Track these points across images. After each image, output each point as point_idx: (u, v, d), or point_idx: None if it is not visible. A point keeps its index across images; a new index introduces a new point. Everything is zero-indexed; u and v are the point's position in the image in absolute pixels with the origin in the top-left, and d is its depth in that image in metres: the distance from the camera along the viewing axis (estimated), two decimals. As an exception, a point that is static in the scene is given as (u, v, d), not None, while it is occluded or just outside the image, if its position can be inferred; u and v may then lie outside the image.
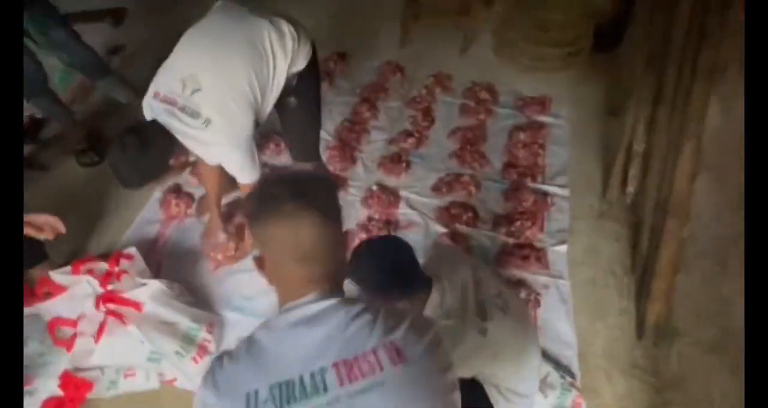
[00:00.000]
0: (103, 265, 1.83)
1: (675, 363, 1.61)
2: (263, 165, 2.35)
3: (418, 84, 2.80)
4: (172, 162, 1.48)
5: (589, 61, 2.88)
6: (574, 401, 1.62)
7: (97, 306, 1.69)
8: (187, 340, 1.75)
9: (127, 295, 1.73)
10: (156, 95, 1.46)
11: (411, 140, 2.48)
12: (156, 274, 1.98)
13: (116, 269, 1.81)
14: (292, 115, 1.69)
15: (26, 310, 1.77)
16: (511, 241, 2.09)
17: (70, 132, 2.45)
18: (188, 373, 1.70)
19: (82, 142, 2.45)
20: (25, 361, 1.71)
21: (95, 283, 1.77)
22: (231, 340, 1.83)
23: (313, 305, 0.72)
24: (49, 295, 1.79)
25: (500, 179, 2.34)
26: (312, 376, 0.67)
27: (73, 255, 2.07)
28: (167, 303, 1.76)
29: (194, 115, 1.42)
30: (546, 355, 1.72)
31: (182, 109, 1.42)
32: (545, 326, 1.84)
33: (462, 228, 2.13)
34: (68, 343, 1.73)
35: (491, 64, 2.94)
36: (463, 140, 2.48)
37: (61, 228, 1.41)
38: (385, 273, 1.23)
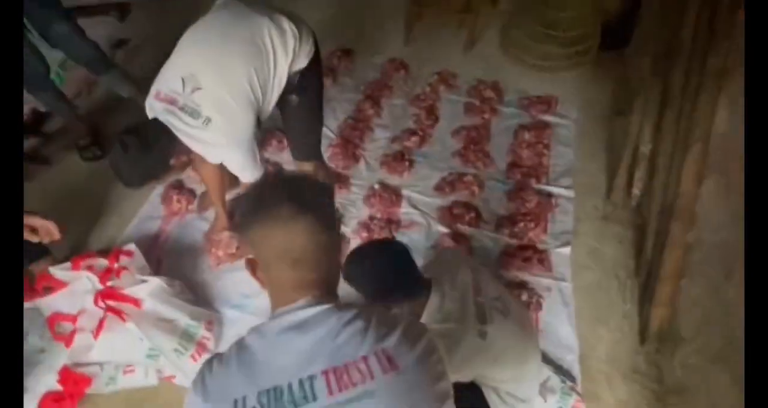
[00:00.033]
0: (103, 262, 1.83)
1: (678, 370, 1.59)
2: (266, 161, 2.36)
3: (423, 82, 2.77)
4: (173, 161, 1.47)
5: (596, 60, 2.84)
6: (574, 406, 1.60)
7: (96, 302, 1.69)
8: (186, 337, 1.74)
9: (126, 291, 1.73)
10: (157, 95, 1.46)
11: (414, 139, 2.45)
12: (156, 270, 1.97)
13: (116, 266, 1.81)
14: (294, 114, 1.67)
15: (26, 305, 1.77)
16: (513, 242, 2.07)
17: (73, 126, 2.45)
18: (187, 370, 1.69)
19: (85, 137, 2.44)
20: (25, 356, 1.71)
21: (95, 279, 1.77)
22: (230, 337, 1.82)
23: (304, 311, 0.71)
24: (49, 291, 1.79)
25: (504, 179, 2.32)
26: (301, 383, 0.66)
27: (74, 250, 2.07)
28: (166, 300, 1.76)
29: (194, 114, 1.41)
30: (547, 359, 1.70)
31: (182, 108, 1.41)
32: (546, 329, 1.82)
33: (464, 228, 2.11)
34: (67, 339, 1.73)
35: (497, 62, 2.91)
36: (467, 139, 2.46)
37: (56, 234, 1.40)
38: (381, 278, 1.22)
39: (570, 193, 2.25)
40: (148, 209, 2.24)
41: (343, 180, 2.28)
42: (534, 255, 1.99)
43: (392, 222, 2.13)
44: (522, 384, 1.38)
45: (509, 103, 2.66)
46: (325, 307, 0.72)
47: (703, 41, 1.66)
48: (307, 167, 1.78)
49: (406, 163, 2.34)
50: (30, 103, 2.46)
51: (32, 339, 1.77)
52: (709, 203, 1.60)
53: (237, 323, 1.86)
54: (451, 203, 2.19)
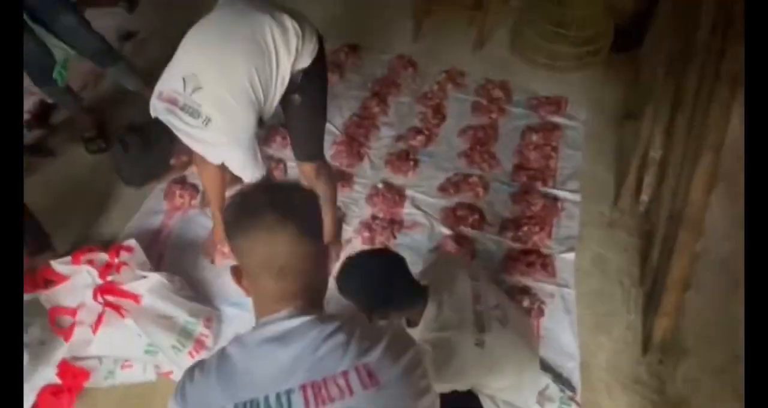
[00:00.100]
0: (104, 256, 1.83)
1: (679, 383, 1.56)
2: (269, 158, 2.35)
3: (431, 80, 2.74)
4: (173, 161, 1.46)
5: (607, 61, 2.78)
6: (573, 415, 1.58)
7: (95, 297, 1.69)
8: (185, 334, 1.75)
9: (125, 287, 1.73)
10: (159, 95, 1.45)
11: (420, 138, 2.43)
12: (157, 265, 1.97)
13: (116, 261, 1.81)
14: (296, 113, 1.65)
15: (27, 297, 1.78)
16: (517, 246, 2.05)
17: (79, 119, 2.45)
18: (184, 366, 1.67)
19: (91, 130, 2.45)
20: (25, 348, 1.72)
21: (95, 273, 1.77)
22: (228, 335, 1.82)
23: (286, 322, 0.70)
24: (50, 284, 1.80)
25: (509, 181, 2.28)
26: (278, 397, 0.65)
27: (77, 242, 2.07)
28: (166, 296, 1.76)
29: (194, 113, 1.39)
30: (546, 366, 1.68)
31: (183, 107, 1.40)
32: (548, 336, 1.79)
33: (467, 231, 2.09)
34: (67, 332, 1.73)
35: (506, 61, 2.86)
36: (473, 139, 2.42)
37: None
38: (375, 289, 1.21)
39: (576, 198, 2.21)
40: (151, 204, 2.24)
41: (346, 178, 2.26)
42: (537, 260, 1.97)
43: (395, 222, 2.11)
44: (520, 393, 1.37)
45: (518, 104, 2.62)
46: (308, 318, 0.70)
47: (718, 45, 1.61)
48: (309, 167, 1.75)
49: (411, 163, 2.31)
50: (36, 94, 2.46)
51: (33, 330, 1.78)
52: (718, 212, 1.56)
53: (236, 321, 1.85)
54: (455, 205, 2.17)
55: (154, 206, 2.22)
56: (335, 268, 1.92)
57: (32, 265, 1.83)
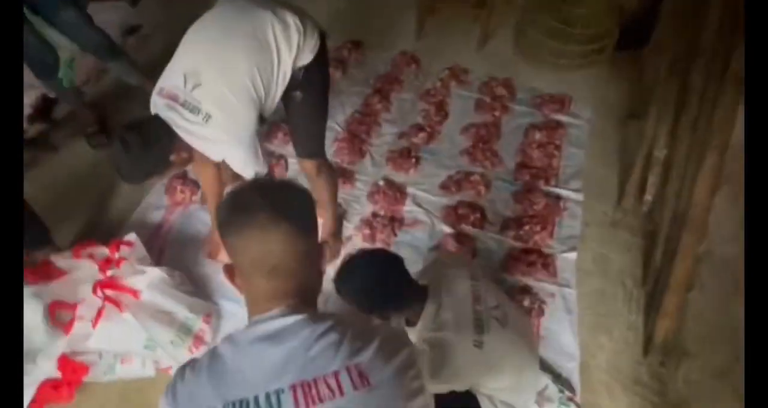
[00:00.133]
0: (104, 251, 1.83)
1: (680, 384, 1.55)
2: (270, 154, 2.34)
3: (433, 77, 2.72)
4: (173, 158, 1.46)
5: (612, 59, 2.76)
6: (572, 416, 1.58)
7: (94, 292, 1.69)
8: (184, 329, 1.75)
9: (124, 282, 1.73)
10: (160, 91, 1.45)
11: (422, 135, 2.41)
12: (158, 260, 1.97)
13: (116, 256, 1.81)
14: (297, 110, 1.64)
15: (27, 291, 1.78)
16: (518, 245, 2.03)
17: (81, 113, 2.45)
18: (183, 362, 1.69)
19: (93, 124, 2.44)
20: (25, 343, 1.72)
21: (95, 268, 1.77)
22: (228, 330, 1.82)
23: (278, 321, 0.70)
24: (49, 278, 1.80)
25: (512, 180, 2.27)
26: (267, 397, 0.65)
27: (78, 237, 2.08)
28: (165, 292, 1.76)
29: (194, 110, 1.39)
30: (546, 367, 1.67)
31: (183, 104, 1.40)
32: (548, 336, 1.78)
33: (468, 229, 2.08)
34: (67, 327, 1.73)
35: (510, 59, 2.84)
36: (476, 137, 2.41)
37: None
38: (373, 290, 1.20)
39: (579, 197, 2.20)
40: (152, 199, 2.24)
41: (347, 175, 2.25)
42: (539, 259, 1.96)
43: (395, 220, 2.10)
44: (518, 393, 1.36)
45: (521, 101, 2.60)
46: (300, 317, 0.70)
47: (725, 45, 1.59)
48: (309, 165, 1.74)
49: (413, 160, 2.30)
50: (39, 89, 2.46)
51: (33, 325, 1.77)
52: (722, 214, 1.54)
53: (235, 316, 1.85)
54: (457, 203, 2.16)
55: (155, 201, 2.22)
56: (336, 264, 1.94)
57: (32, 259, 1.83)
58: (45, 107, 2.58)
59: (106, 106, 2.58)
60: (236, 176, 1.73)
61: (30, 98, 2.53)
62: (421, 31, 2.96)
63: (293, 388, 0.65)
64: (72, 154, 2.42)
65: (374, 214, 2.13)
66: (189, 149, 1.48)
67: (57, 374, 1.68)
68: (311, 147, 1.73)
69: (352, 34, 2.93)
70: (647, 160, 2.06)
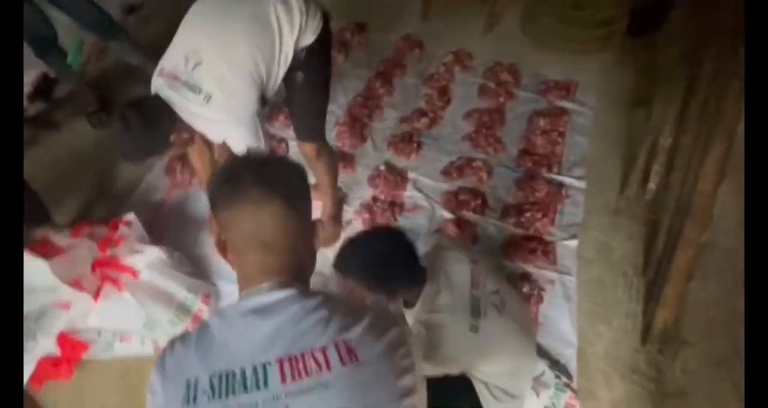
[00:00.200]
0: (103, 230, 1.83)
1: (678, 373, 1.55)
2: (271, 137, 2.32)
3: (437, 61, 2.68)
4: (173, 138, 1.44)
5: (621, 45, 2.70)
6: (568, 402, 1.57)
7: (93, 270, 1.70)
8: (183, 309, 1.75)
9: (124, 261, 1.73)
10: (161, 71, 1.43)
11: (424, 120, 2.38)
12: (158, 241, 1.97)
13: (115, 235, 1.81)
14: (298, 92, 1.61)
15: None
16: (519, 232, 2.02)
17: (81, 93, 2.43)
18: (181, 341, 1.70)
19: (93, 104, 2.43)
20: (25, 320, 1.73)
21: (94, 246, 1.77)
22: (226, 312, 1.82)
23: (267, 295, 0.69)
24: (47, 256, 1.79)
25: (514, 166, 2.24)
26: (254, 369, 0.64)
27: (77, 216, 2.08)
28: (164, 272, 1.76)
29: (195, 89, 1.38)
30: (543, 353, 1.67)
31: (184, 83, 1.38)
32: (546, 323, 1.78)
33: (469, 215, 2.06)
34: (66, 304, 1.74)
35: (516, 44, 2.79)
36: (478, 123, 2.38)
37: None
38: (377, 265, 1.19)
39: (582, 185, 2.17)
40: (153, 179, 2.23)
41: (348, 159, 2.23)
42: (539, 246, 1.94)
43: (395, 204, 2.09)
44: (514, 380, 1.36)
45: (526, 88, 2.56)
46: (290, 292, 0.69)
47: (738, 32, 1.55)
48: (309, 148, 1.72)
49: (414, 145, 2.28)
50: (40, 67, 2.44)
51: (33, 302, 1.78)
52: (726, 204, 1.52)
53: (234, 297, 1.83)
54: (458, 188, 2.14)
55: (155, 182, 2.22)
56: (335, 248, 1.93)
57: (30, 237, 1.83)
58: (45, 86, 2.55)
59: (106, 85, 2.56)
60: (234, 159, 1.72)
61: (30, 77, 2.51)
62: (427, 14, 2.91)
63: (280, 361, 0.64)
64: (72, 133, 2.41)
65: (374, 199, 2.11)
66: (190, 130, 1.47)
67: (56, 351, 1.69)
68: (312, 129, 1.71)
69: (356, 16, 2.88)
70: (652, 148, 2.03)
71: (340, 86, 2.50)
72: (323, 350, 0.64)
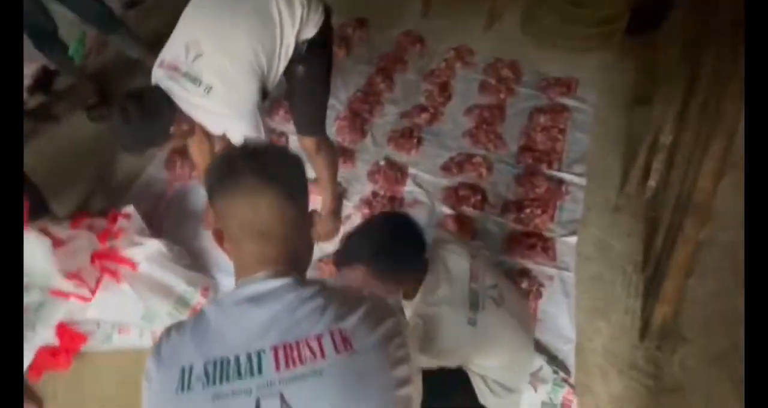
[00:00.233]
0: (103, 222, 1.83)
1: (676, 369, 1.55)
2: (271, 131, 2.32)
3: (438, 57, 2.67)
4: (173, 130, 1.44)
5: (622, 43, 2.70)
6: (565, 398, 1.58)
7: (92, 262, 1.69)
8: (182, 302, 1.75)
9: (123, 253, 1.73)
10: (161, 63, 1.43)
11: (425, 116, 2.38)
12: (157, 234, 1.97)
13: (115, 227, 1.81)
14: (299, 85, 1.61)
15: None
16: (519, 228, 2.02)
17: (81, 85, 2.43)
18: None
19: (93, 97, 2.43)
20: (25, 311, 1.73)
21: (94, 238, 1.77)
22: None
23: (263, 283, 0.69)
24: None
25: (514, 163, 2.24)
26: (249, 356, 0.64)
27: (77, 208, 2.08)
28: (163, 264, 1.76)
29: (195, 81, 1.37)
30: (542, 348, 1.67)
31: (184, 75, 1.38)
32: (545, 318, 1.78)
33: (469, 211, 2.06)
34: (66, 296, 1.74)
35: (517, 40, 2.78)
36: (479, 119, 2.38)
37: None
38: (383, 248, 1.18)
39: (582, 181, 2.17)
40: (153, 172, 2.23)
41: (348, 154, 2.23)
42: (538, 242, 1.94)
43: (395, 200, 2.09)
44: (511, 373, 1.36)
45: (527, 84, 2.56)
46: (286, 281, 0.69)
47: (738, 31, 1.55)
48: (309, 142, 1.72)
49: (414, 141, 2.28)
50: (40, 60, 2.43)
51: (33, 292, 1.78)
52: (726, 201, 1.52)
53: (232, 291, 1.85)
54: (458, 184, 2.14)
55: (155, 175, 2.22)
56: (335, 243, 1.93)
57: (29, 228, 1.83)
58: (45, 79, 2.55)
59: (107, 78, 2.55)
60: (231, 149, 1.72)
61: (30, 69, 2.50)
62: (428, 11, 2.91)
63: (275, 349, 0.64)
64: (72, 126, 2.41)
65: (374, 194, 2.11)
66: (189, 121, 1.47)
67: (55, 341, 1.70)
68: (312, 123, 1.70)
69: (357, 11, 2.88)
70: (653, 145, 2.03)
71: (341, 81, 2.50)
72: (318, 338, 0.65)
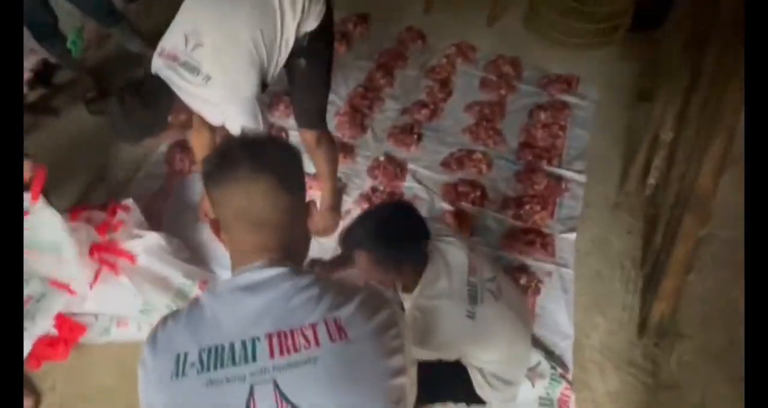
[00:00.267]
0: (101, 215, 1.83)
1: (674, 366, 1.55)
2: (271, 126, 2.32)
3: (439, 53, 2.67)
4: (170, 119, 1.44)
5: (624, 40, 2.69)
6: (563, 393, 1.58)
7: (91, 254, 1.69)
8: (180, 295, 1.75)
9: (122, 246, 1.73)
10: (161, 52, 1.42)
11: (425, 112, 2.38)
12: (156, 227, 1.97)
13: (114, 220, 1.80)
14: (300, 78, 1.61)
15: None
16: (518, 224, 2.02)
17: (81, 79, 2.43)
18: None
19: (92, 90, 2.42)
20: (26, 301, 1.73)
21: (93, 231, 1.77)
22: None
23: (259, 272, 0.69)
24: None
25: (514, 159, 2.24)
26: (243, 344, 0.65)
27: (76, 201, 2.07)
28: (162, 257, 1.76)
29: (194, 70, 1.37)
30: (540, 344, 1.67)
31: (183, 64, 1.38)
32: (543, 314, 1.78)
33: (468, 207, 2.06)
34: (65, 287, 1.74)
35: (519, 37, 2.78)
36: (479, 115, 2.37)
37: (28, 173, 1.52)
38: (385, 235, 1.18)
39: (582, 178, 2.17)
40: (152, 166, 2.22)
41: (348, 150, 2.23)
42: (537, 239, 1.94)
43: (395, 195, 2.09)
44: (509, 366, 1.36)
45: (527, 81, 2.56)
46: (282, 270, 0.70)
47: (739, 30, 1.54)
48: (310, 135, 1.72)
49: (414, 137, 2.27)
50: (40, 53, 2.43)
51: (33, 284, 1.78)
52: (726, 198, 1.52)
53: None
54: (457, 180, 2.14)
55: (155, 169, 2.21)
56: (334, 238, 1.93)
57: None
58: (46, 72, 2.55)
59: (107, 72, 2.54)
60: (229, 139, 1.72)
61: (30, 63, 2.50)
62: (430, 7, 2.90)
63: (269, 336, 0.65)
64: (72, 119, 2.40)
65: (374, 189, 2.11)
66: (188, 111, 1.46)
67: (53, 331, 1.70)
68: (312, 117, 1.70)
69: (359, 6, 2.87)
70: (653, 142, 2.03)
71: (342, 77, 2.49)
72: (313, 327, 0.65)
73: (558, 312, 1.78)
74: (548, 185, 2.11)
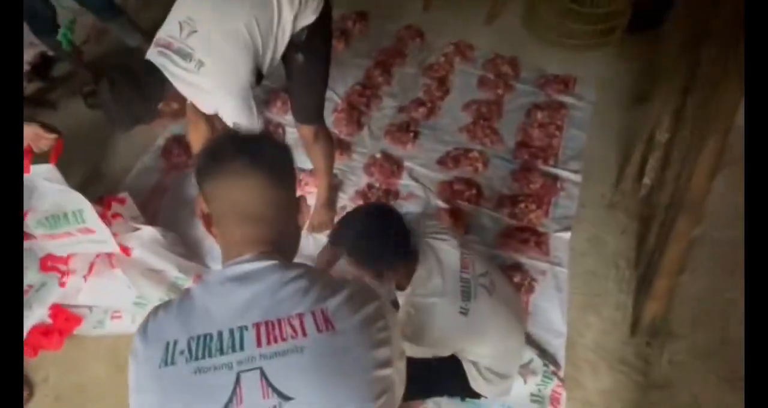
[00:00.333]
0: (97, 207, 1.82)
1: (665, 365, 1.56)
2: (268, 122, 2.32)
3: (437, 51, 2.67)
4: (161, 106, 1.43)
5: (622, 41, 2.70)
6: (554, 391, 1.59)
7: (86, 247, 1.70)
8: (174, 289, 1.76)
9: (117, 239, 1.72)
10: (157, 42, 1.42)
11: (422, 110, 2.38)
12: (152, 221, 1.97)
13: (109, 213, 1.80)
14: (298, 73, 1.61)
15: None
16: (513, 223, 2.02)
17: (79, 72, 2.42)
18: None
19: (90, 84, 2.41)
20: (26, 291, 1.73)
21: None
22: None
23: (248, 264, 0.71)
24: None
25: (510, 158, 2.25)
26: (231, 333, 0.66)
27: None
28: (156, 251, 1.76)
29: (187, 57, 1.37)
30: (532, 342, 1.68)
31: (176, 51, 1.38)
32: (536, 312, 1.79)
33: (464, 205, 2.06)
34: (60, 280, 1.75)
35: (517, 36, 2.79)
36: (476, 114, 2.38)
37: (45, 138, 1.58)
38: (362, 240, 1.19)
39: (577, 178, 2.18)
40: (149, 160, 2.22)
41: (345, 147, 2.23)
42: (532, 237, 1.95)
43: (390, 192, 2.09)
44: (503, 360, 1.37)
45: (525, 80, 2.56)
46: (271, 263, 0.71)
47: (737, 29, 1.55)
48: (307, 130, 1.72)
49: (411, 135, 2.28)
50: (38, 47, 2.43)
51: (30, 274, 1.78)
52: (720, 198, 1.52)
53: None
54: (453, 178, 2.14)
55: (151, 163, 2.21)
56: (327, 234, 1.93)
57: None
58: (44, 65, 2.55)
59: (104, 65, 2.54)
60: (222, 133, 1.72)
61: (29, 56, 2.50)
62: (429, 5, 2.90)
63: (257, 326, 0.66)
64: (70, 113, 2.40)
65: (369, 186, 2.11)
66: (180, 99, 1.46)
67: (48, 320, 1.70)
68: (310, 112, 1.70)
69: (358, 4, 2.87)
70: (649, 143, 2.03)
71: (339, 74, 2.50)
72: (300, 317, 0.66)
73: (551, 310, 1.79)
74: (544, 184, 2.11)
